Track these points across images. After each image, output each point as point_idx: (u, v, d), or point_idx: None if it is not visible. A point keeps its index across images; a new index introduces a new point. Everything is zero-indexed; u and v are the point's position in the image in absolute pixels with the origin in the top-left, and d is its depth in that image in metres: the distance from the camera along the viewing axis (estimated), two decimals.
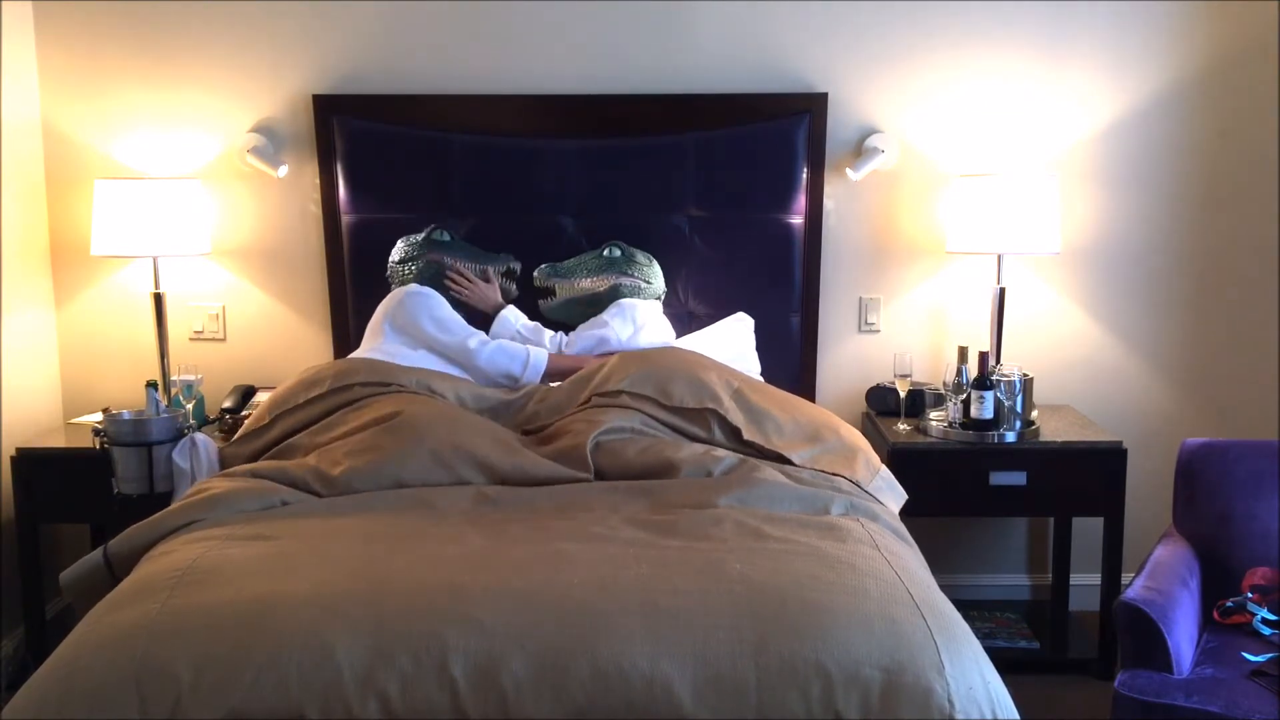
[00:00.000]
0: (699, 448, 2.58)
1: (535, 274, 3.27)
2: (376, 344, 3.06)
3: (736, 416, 2.68)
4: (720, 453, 2.57)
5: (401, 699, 1.67)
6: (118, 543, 2.28)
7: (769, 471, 2.49)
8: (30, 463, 3.14)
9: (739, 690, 1.67)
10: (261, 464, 2.61)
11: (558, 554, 1.97)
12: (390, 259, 3.27)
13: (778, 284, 3.44)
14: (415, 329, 3.04)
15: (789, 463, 2.60)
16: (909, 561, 2.10)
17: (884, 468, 2.74)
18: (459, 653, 1.70)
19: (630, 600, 1.79)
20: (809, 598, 1.80)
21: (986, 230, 3.30)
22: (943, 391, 3.28)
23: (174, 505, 2.37)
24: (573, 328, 3.21)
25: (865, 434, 3.51)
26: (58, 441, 3.27)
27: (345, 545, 2.05)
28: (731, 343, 3.27)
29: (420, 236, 3.26)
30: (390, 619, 1.76)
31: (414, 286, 3.15)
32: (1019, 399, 3.20)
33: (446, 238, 3.25)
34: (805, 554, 1.98)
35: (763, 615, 1.76)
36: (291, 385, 2.87)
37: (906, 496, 2.74)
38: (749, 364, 3.27)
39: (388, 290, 3.26)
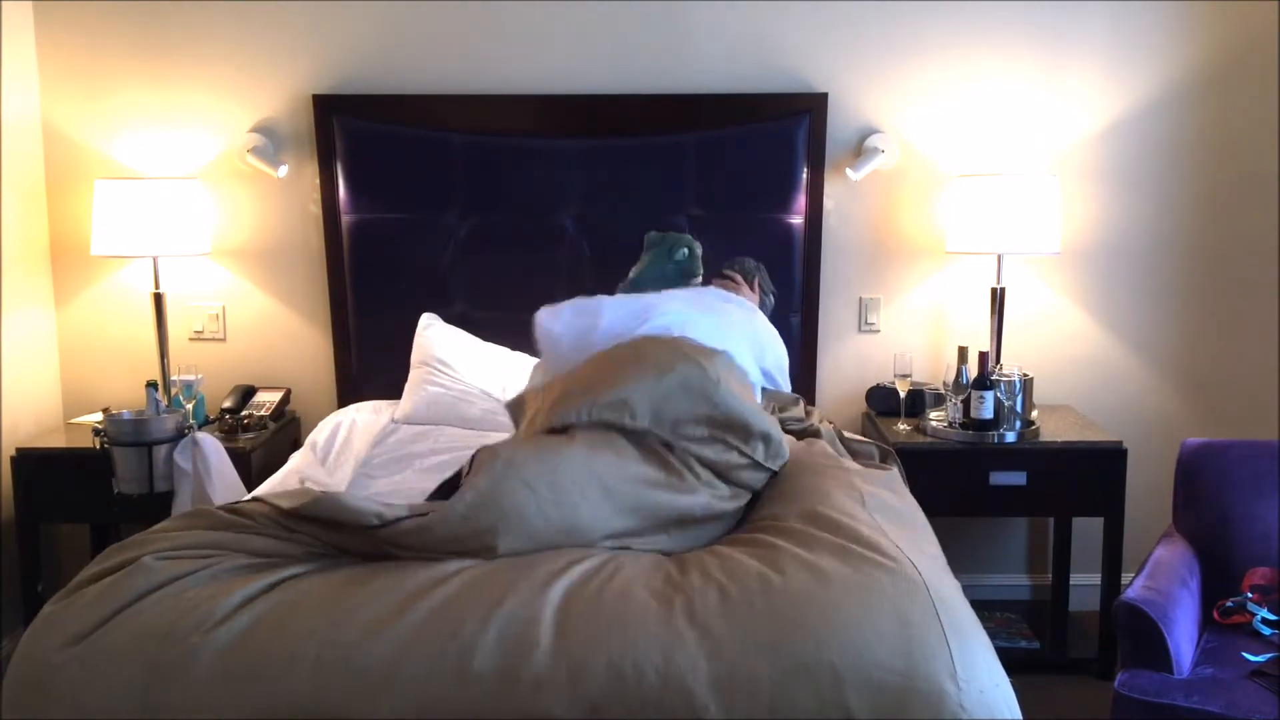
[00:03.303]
0: None
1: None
2: None
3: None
4: None
5: (420, 696, 1.66)
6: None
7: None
8: (30, 463, 3.14)
9: (752, 688, 1.66)
10: None
11: (571, 551, 1.96)
12: None
13: (778, 284, 3.43)
14: None
15: None
16: (918, 541, 2.05)
17: None
18: (478, 651, 1.69)
19: (645, 597, 1.79)
20: (824, 595, 1.79)
21: (986, 230, 3.30)
22: (943, 391, 3.27)
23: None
24: None
25: (865, 434, 3.53)
26: (58, 441, 3.27)
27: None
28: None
29: None
30: (408, 616, 1.74)
31: None
32: (1019, 399, 3.20)
33: None
34: (822, 547, 1.96)
35: (777, 613, 1.75)
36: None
37: None
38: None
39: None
